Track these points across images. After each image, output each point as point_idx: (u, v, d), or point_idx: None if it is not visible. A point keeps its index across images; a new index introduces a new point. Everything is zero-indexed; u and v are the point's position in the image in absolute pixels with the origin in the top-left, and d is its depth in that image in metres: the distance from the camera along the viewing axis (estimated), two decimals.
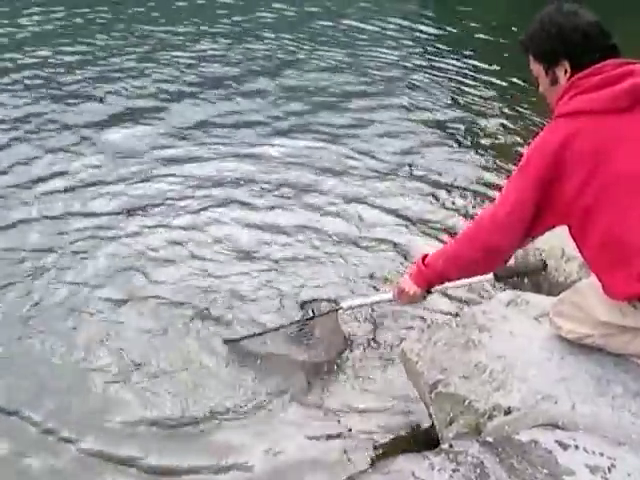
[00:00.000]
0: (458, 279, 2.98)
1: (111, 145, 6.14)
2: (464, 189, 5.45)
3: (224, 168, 5.77)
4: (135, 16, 10.47)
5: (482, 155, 6.15)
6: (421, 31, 9.97)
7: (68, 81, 7.65)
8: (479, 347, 2.88)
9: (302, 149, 6.12)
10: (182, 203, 5.23)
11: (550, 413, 2.56)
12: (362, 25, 10.10)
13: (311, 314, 3.53)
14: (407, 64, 8.59)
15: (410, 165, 5.85)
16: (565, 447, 2.37)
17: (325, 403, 3.35)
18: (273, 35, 9.51)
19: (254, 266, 4.45)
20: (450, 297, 3.94)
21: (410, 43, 9.56)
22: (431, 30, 10.04)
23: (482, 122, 6.78)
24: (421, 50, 9.24)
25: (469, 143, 6.44)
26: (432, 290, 2.96)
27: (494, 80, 7.96)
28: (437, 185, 5.52)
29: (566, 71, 2.54)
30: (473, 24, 10.10)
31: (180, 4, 11.12)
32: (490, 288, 3.79)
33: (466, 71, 8.30)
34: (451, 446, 2.37)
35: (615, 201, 2.42)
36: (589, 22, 2.52)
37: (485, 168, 5.86)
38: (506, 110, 7.13)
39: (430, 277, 2.86)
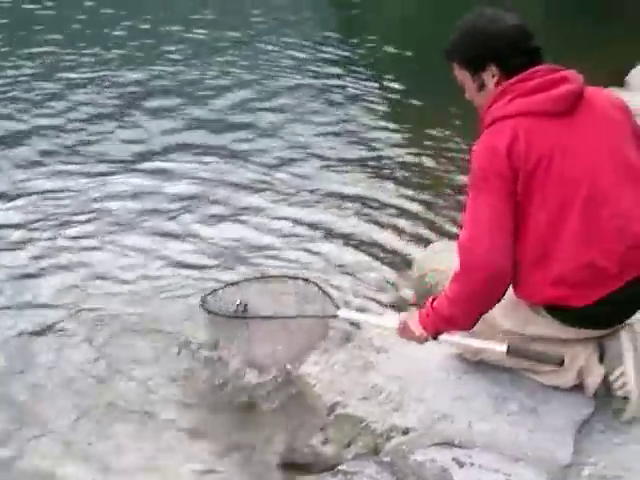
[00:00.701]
0: (467, 323, 2.60)
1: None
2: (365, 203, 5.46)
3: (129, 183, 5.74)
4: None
5: (387, 171, 6.14)
6: (333, 53, 9.98)
7: None
8: (377, 369, 2.88)
9: (209, 165, 6.12)
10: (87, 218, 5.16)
11: (447, 432, 2.56)
12: (272, 49, 10.05)
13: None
14: (316, 85, 8.58)
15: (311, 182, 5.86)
16: (461, 464, 2.38)
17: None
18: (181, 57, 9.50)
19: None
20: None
21: (322, 65, 9.55)
22: (342, 52, 10.07)
23: (392, 151, 6.77)
24: (328, 72, 9.23)
25: (375, 159, 6.45)
26: (439, 338, 2.67)
27: (399, 99, 8.01)
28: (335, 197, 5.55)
29: (494, 75, 2.55)
30: (381, 48, 10.18)
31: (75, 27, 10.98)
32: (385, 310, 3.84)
33: (373, 91, 8.33)
34: (348, 467, 2.33)
35: (551, 204, 2.43)
36: (514, 26, 2.53)
37: (386, 181, 5.86)
38: (405, 126, 7.18)
39: (436, 321, 2.60)
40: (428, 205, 5.30)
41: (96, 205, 5.33)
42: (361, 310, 3.79)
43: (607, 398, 2.72)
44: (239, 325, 3.06)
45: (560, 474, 2.47)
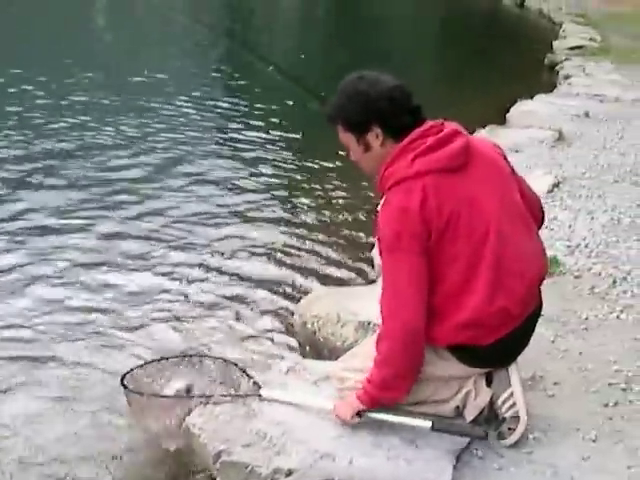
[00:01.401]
0: (399, 384, 2.66)
1: None
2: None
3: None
4: None
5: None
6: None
7: None
8: (259, 416, 2.92)
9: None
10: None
11: (328, 470, 2.63)
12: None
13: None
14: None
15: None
16: None
17: None
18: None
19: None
20: None
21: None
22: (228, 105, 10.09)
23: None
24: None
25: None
26: (363, 414, 2.75)
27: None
28: None
29: (378, 136, 2.62)
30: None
31: None
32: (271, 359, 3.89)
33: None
34: None
35: (462, 256, 2.54)
36: (395, 86, 2.62)
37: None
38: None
39: (370, 390, 2.67)
40: (308, 252, 5.42)
41: None
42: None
43: (485, 424, 2.84)
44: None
45: None
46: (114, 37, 14.58)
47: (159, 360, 3.32)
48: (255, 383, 3.06)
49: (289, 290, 4.87)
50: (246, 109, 9.87)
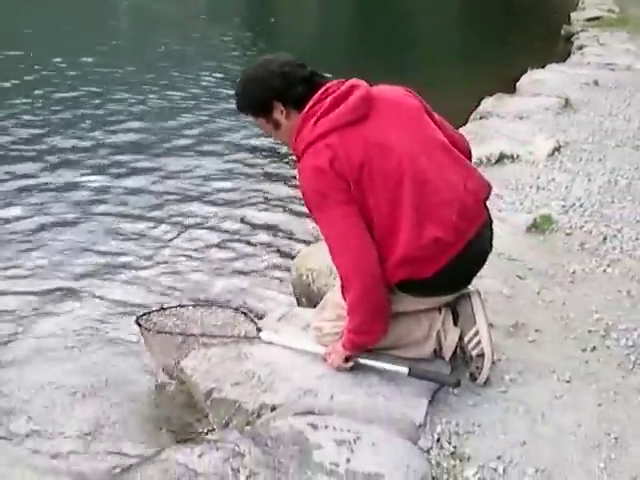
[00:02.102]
0: (373, 327, 2.80)
1: None
2: None
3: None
4: None
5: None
6: None
7: None
8: (249, 358, 3.10)
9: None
10: None
11: (309, 404, 2.80)
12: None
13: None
14: None
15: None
16: (316, 428, 2.61)
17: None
18: None
19: None
20: None
21: None
22: None
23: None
24: None
25: None
26: (351, 359, 2.92)
27: None
28: None
29: (282, 111, 2.76)
30: None
31: None
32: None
33: None
34: (211, 436, 2.54)
35: (384, 201, 2.64)
36: (283, 62, 2.75)
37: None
38: None
39: (351, 337, 2.83)
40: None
41: None
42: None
43: (463, 365, 3.00)
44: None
45: (413, 433, 2.72)
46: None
47: (177, 307, 3.56)
48: (259, 329, 3.25)
49: (288, 248, 5.26)
50: None
